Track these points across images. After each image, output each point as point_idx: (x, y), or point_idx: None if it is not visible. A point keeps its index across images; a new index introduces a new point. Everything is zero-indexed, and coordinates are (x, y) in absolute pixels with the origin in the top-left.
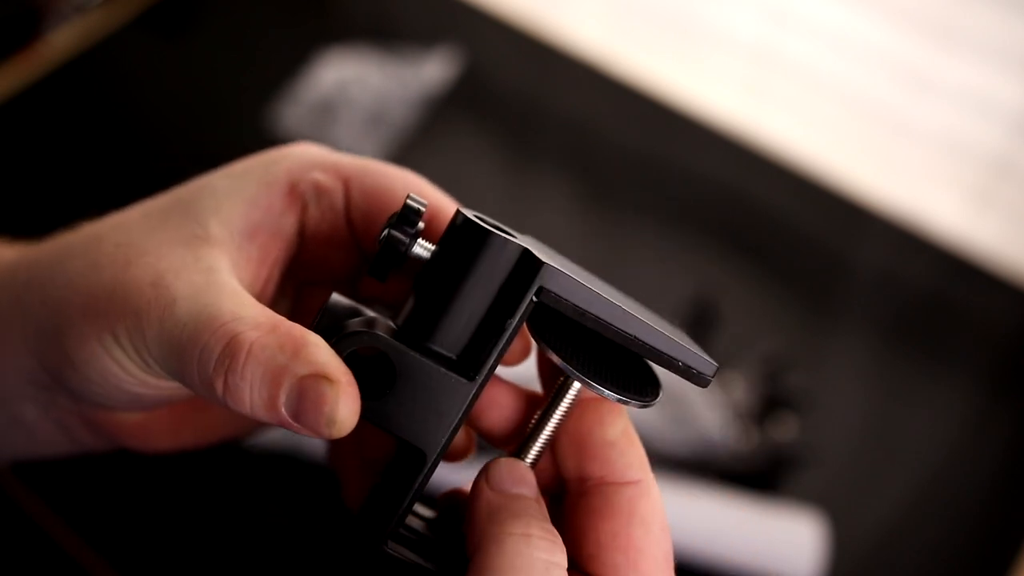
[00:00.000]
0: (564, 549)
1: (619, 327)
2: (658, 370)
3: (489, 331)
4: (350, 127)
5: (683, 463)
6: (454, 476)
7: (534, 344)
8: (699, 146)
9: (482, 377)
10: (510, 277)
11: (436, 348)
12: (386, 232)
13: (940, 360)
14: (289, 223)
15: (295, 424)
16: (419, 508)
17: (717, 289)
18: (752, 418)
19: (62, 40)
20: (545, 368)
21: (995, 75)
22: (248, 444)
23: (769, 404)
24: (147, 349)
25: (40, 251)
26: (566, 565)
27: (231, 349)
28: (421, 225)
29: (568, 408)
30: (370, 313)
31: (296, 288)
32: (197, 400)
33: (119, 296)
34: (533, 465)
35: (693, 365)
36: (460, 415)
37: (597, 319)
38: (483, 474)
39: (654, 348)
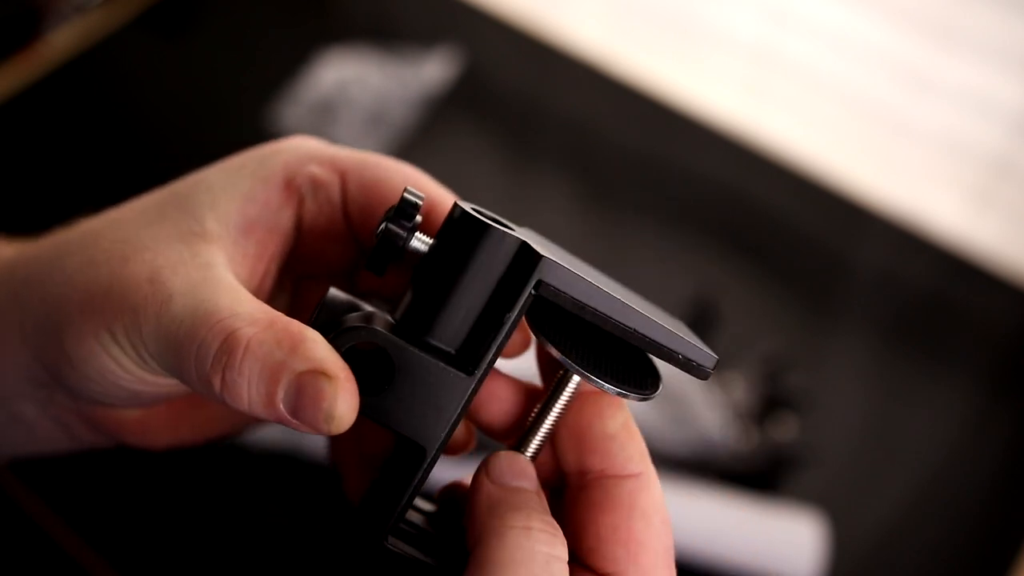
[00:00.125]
0: (565, 542)
1: (618, 320)
2: (659, 365)
3: (488, 325)
4: (350, 127)
5: (683, 463)
6: (454, 471)
7: (533, 336)
8: (699, 146)
9: (481, 372)
10: (508, 270)
11: (434, 342)
12: (383, 226)
13: (940, 360)
14: (286, 218)
15: (293, 421)
16: (419, 502)
17: (717, 289)
18: (752, 418)
19: (62, 40)
20: (545, 360)
21: (995, 75)
22: (248, 444)
23: (769, 404)
24: (144, 346)
25: (38, 248)
26: (567, 558)
27: (228, 345)
28: (419, 219)
29: (568, 401)
30: (368, 308)
31: (294, 282)
32: (195, 396)
33: (116, 293)
34: (533, 458)
35: (693, 357)
36: (459, 410)
37: (596, 312)
38: (483, 467)
39: (653, 341)
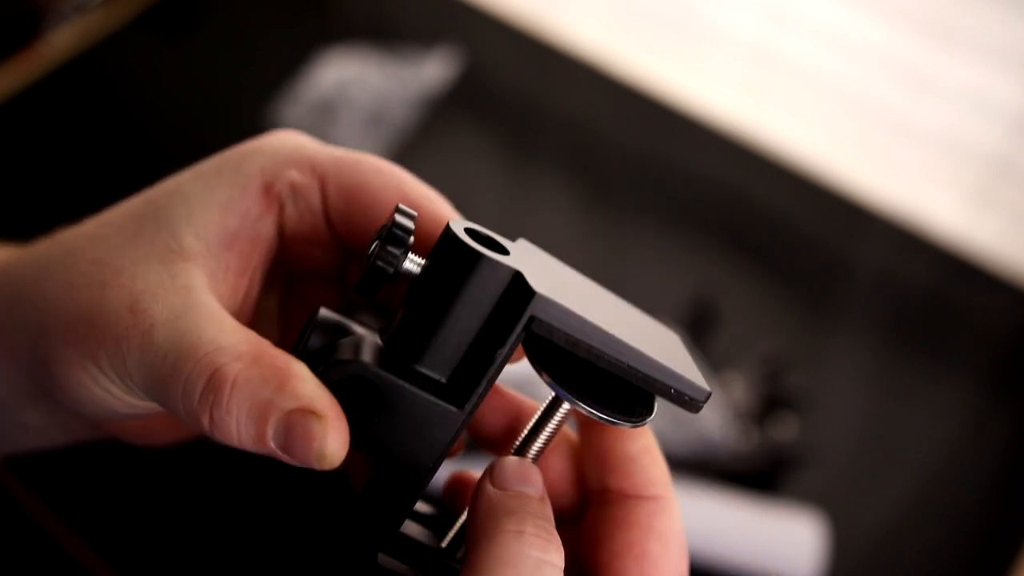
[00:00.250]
0: (560, 549)
1: (611, 356)
2: None
3: (479, 358)
4: (350, 127)
5: (683, 463)
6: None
7: None
8: (699, 146)
9: (471, 405)
10: (501, 302)
11: (424, 370)
12: (374, 251)
13: (940, 360)
14: (267, 226)
15: (285, 456)
16: (418, 505)
17: (717, 289)
18: (752, 418)
19: (62, 40)
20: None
21: (995, 75)
22: None
23: (769, 404)
24: (130, 376)
25: (20, 263)
26: (562, 565)
27: (214, 383)
28: (411, 240)
29: (565, 414)
30: (358, 329)
31: (284, 279)
32: None
33: (98, 322)
34: None
35: (685, 391)
36: (449, 441)
37: (590, 349)
38: (488, 472)
39: (647, 377)
